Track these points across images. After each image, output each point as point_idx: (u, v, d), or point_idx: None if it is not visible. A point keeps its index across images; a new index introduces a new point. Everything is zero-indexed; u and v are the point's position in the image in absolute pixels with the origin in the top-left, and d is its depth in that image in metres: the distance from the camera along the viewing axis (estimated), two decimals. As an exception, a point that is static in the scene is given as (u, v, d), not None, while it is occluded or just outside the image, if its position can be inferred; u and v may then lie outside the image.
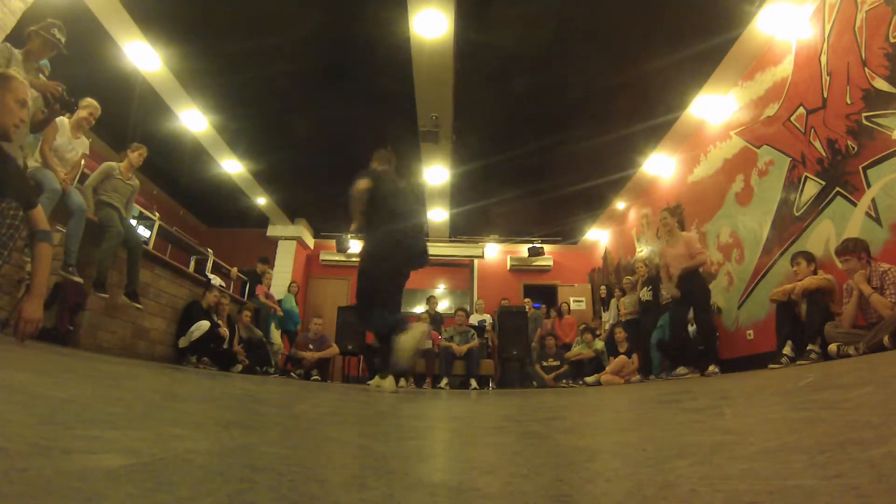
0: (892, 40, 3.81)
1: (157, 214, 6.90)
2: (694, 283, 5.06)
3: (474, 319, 8.50)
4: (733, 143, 5.99)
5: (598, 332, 7.79)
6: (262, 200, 9.47)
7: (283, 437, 1.08)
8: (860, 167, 4.08)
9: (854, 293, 3.57)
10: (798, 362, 3.76)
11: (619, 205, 9.29)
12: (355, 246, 11.04)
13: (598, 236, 10.78)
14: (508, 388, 6.79)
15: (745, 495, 0.52)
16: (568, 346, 7.85)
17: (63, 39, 3.25)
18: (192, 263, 7.58)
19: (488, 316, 8.80)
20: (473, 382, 7.06)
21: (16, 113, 2.28)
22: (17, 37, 3.80)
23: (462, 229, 10.63)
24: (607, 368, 6.46)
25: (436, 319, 8.30)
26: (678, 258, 5.13)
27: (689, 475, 0.64)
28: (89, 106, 4.03)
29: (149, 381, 2.25)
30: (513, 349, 7.54)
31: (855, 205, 4.12)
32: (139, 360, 4.16)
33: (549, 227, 10.40)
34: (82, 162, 4.65)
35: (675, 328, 5.22)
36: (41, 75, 3.25)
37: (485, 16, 4.95)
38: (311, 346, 7.03)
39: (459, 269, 11.47)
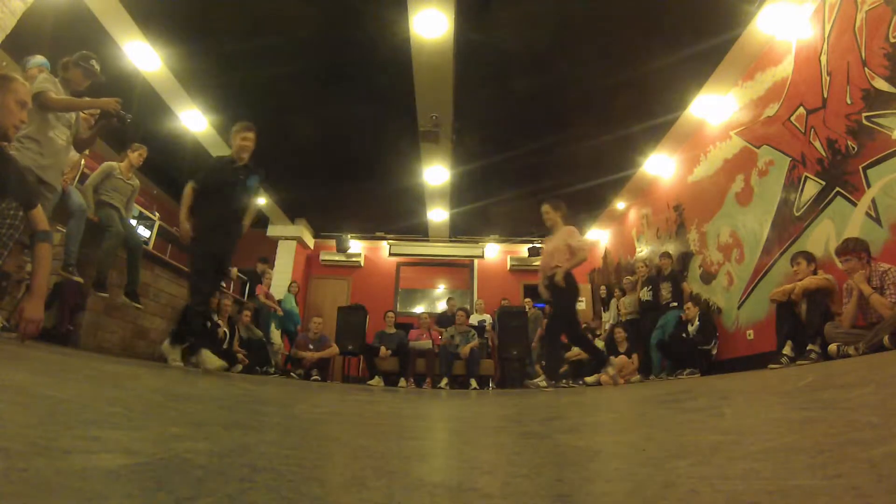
0: (892, 40, 3.81)
1: (157, 214, 6.90)
2: (564, 283, 4.43)
3: (474, 319, 8.49)
4: (733, 143, 5.99)
5: (597, 333, 7.79)
6: (261, 200, 9.47)
7: (283, 437, 1.08)
8: (860, 167, 4.07)
9: (854, 293, 3.57)
10: (798, 362, 3.76)
11: (619, 205, 9.29)
12: (355, 246, 11.06)
13: (598, 236, 10.78)
14: (508, 388, 6.79)
15: (745, 495, 0.52)
16: (568, 347, 7.84)
17: (99, 69, 3.41)
18: (192, 263, 7.56)
19: (488, 316, 8.79)
20: (473, 382, 7.05)
21: (16, 114, 2.29)
22: (16, 37, 3.80)
23: (462, 229, 10.62)
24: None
25: (446, 320, 8.26)
26: (554, 253, 4.54)
27: (689, 475, 0.64)
28: None
29: (149, 381, 2.25)
30: (513, 349, 7.53)
31: (855, 205, 4.12)
32: (139, 360, 4.15)
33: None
34: (82, 162, 4.65)
35: (547, 335, 4.73)
36: (41, 76, 3.30)
37: (485, 16, 4.95)
38: (311, 346, 7.03)
39: (459, 269, 11.47)
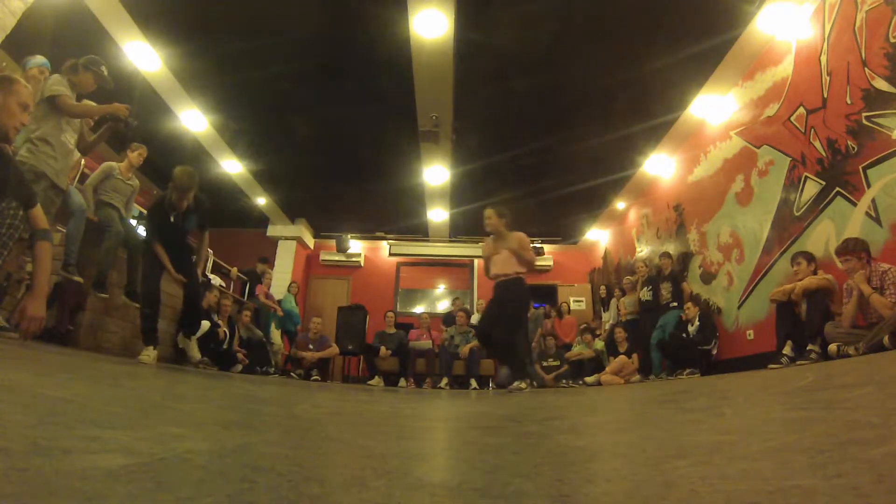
0: (892, 40, 3.81)
1: (157, 214, 6.89)
2: (513, 289, 4.36)
3: (475, 319, 8.49)
4: (733, 143, 5.99)
5: (597, 332, 7.79)
6: (262, 200, 9.46)
7: (283, 437, 1.08)
8: (860, 167, 4.07)
9: (854, 293, 3.56)
10: (798, 362, 3.76)
11: (619, 205, 9.29)
12: (355, 246, 11.06)
13: (598, 236, 10.78)
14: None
15: (745, 495, 0.52)
16: (568, 346, 7.84)
17: (106, 73, 3.53)
18: (192, 263, 7.56)
19: (489, 316, 8.76)
20: (473, 382, 7.06)
21: (17, 115, 2.29)
22: (16, 37, 3.80)
23: (462, 229, 10.62)
24: (607, 368, 6.46)
25: (452, 319, 8.25)
26: (507, 261, 4.40)
27: (689, 475, 0.64)
28: None
29: (149, 381, 2.25)
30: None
31: (855, 205, 4.12)
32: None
33: (549, 227, 10.39)
34: (82, 162, 4.65)
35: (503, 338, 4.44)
36: (45, 79, 3.33)
37: (485, 16, 4.95)
38: (311, 346, 7.03)
39: (459, 269, 11.47)
